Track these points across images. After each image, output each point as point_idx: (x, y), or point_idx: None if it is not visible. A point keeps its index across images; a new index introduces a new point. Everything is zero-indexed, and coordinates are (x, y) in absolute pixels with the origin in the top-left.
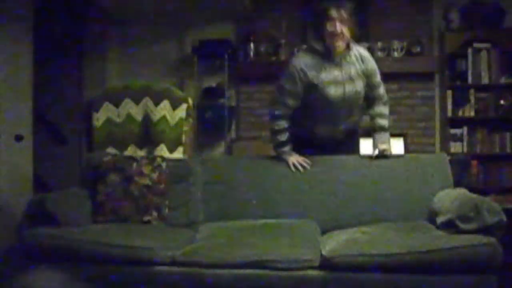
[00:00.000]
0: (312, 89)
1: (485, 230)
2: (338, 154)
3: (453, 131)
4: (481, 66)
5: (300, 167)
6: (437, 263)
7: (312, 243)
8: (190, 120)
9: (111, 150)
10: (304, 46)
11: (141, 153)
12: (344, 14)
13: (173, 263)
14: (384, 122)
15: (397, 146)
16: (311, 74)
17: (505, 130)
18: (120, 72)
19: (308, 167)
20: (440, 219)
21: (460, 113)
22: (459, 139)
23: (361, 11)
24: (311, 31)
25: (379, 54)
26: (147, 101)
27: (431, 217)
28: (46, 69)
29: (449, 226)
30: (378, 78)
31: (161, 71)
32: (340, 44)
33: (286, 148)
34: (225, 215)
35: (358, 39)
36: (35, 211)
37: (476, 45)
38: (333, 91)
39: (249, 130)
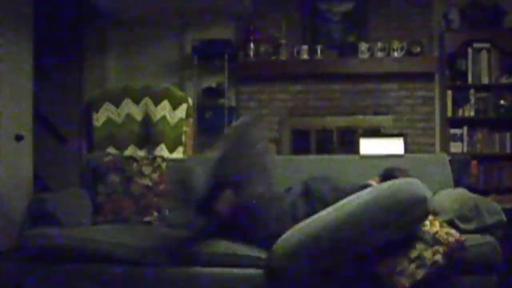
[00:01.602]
0: None
1: (484, 230)
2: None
3: (453, 131)
4: (481, 66)
5: None
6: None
7: None
8: (190, 120)
9: (111, 150)
10: None
11: (141, 153)
12: None
13: (173, 263)
14: None
15: (397, 146)
16: None
17: (505, 130)
18: (120, 72)
19: None
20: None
21: (460, 113)
22: (459, 139)
23: (361, 11)
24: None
25: (379, 54)
26: (147, 101)
27: None
28: (46, 69)
29: None
30: None
31: (161, 71)
32: None
33: None
34: None
35: (357, 40)
36: (35, 211)
37: (476, 45)
38: None
39: None
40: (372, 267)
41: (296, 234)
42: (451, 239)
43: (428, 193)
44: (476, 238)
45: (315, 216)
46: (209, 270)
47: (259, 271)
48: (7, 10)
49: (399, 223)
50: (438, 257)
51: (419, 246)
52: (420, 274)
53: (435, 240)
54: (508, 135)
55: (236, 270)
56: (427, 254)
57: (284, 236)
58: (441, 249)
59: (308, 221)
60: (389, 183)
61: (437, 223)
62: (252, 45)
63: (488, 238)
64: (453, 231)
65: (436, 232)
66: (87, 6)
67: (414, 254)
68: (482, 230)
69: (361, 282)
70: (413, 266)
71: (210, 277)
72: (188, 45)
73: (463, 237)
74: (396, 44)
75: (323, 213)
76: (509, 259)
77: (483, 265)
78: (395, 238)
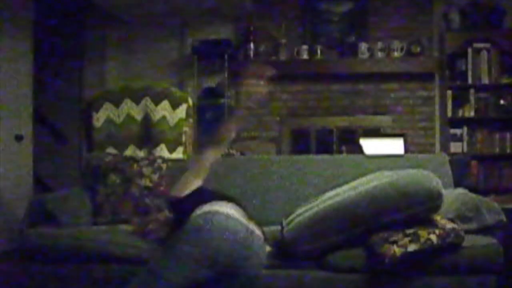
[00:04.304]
0: None
1: (485, 230)
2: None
3: (453, 131)
4: (481, 66)
5: None
6: (437, 263)
7: None
8: (190, 120)
9: (111, 150)
10: None
11: (141, 153)
12: None
13: None
14: None
15: (397, 146)
16: None
17: (505, 130)
18: (120, 72)
19: None
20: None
21: (460, 113)
22: (459, 139)
23: (361, 11)
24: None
25: (379, 54)
26: (147, 101)
27: None
28: (46, 69)
29: None
30: None
31: (161, 71)
32: None
33: None
34: None
35: (357, 40)
36: (35, 211)
37: (476, 45)
38: None
39: (249, 130)
40: (366, 237)
41: (308, 213)
42: (448, 225)
43: (442, 189)
44: (476, 238)
45: (327, 195)
46: None
47: None
48: (7, 10)
49: (411, 211)
50: (433, 236)
51: (416, 226)
52: (412, 247)
53: (433, 224)
54: (508, 135)
55: None
56: (423, 233)
57: (295, 214)
58: (437, 231)
59: (320, 199)
60: (410, 171)
61: (438, 217)
62: (252, 45)
63: (488, 238)
64: (452, 223)
65: (436, 220)
66: (87, 6)
67: (410, 231)
68: (482, 230)
69: (354, 249)
70: (407, 239)
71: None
72: (188, 45)
73: (462, 232)
74: (396, 44)
75: (334, 192)
76: (509, 259)
77: (483, 265)
78: (401, 220)
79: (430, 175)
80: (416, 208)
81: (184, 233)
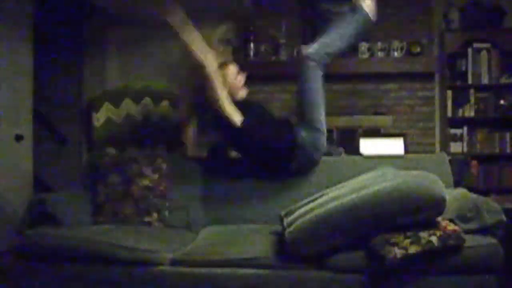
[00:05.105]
0: None
1: (485, 230)
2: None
3: (453, 131)
4: (481, 66)
5: None
6: (437, 263)
7: None
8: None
9: (111, 150)
10: None
11: (141, 153)
12: None
13: (174, 264)
14: None
15: (397, 146)
16: None
17: (505, 130)
18: (120, 72)
19: None
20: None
21: (460, 113)
22: (459, 139)
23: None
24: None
25: (379, 54)
26: (147, 101)
27: None
28: (46, 69)
29: None
30: None
31: (161, 71)
32: None
33: None
34: (226, 215)
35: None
36: (35, 211)
37: (476, 45)
38: None
39: None
40: (367, 238)
41: (309, 215)
42: (449, 227)
43: (446, 194)
44: (476, 238)
45: (330, 197)
46: (207, 270)
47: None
48: (7, 10)
49: (414, 217)
50: (433, 238)
51: (417, 227)
52: (413, 249)
53: (434, 226)
54: (508, 135)
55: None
56: (423, 234)
57: (296, 214)
58: (437, 232)
59: (322, 201)
60: (414, 175)
61: (439, 218)
62: (252, 45)
63: (488, 238)
64: (453, 224)
65: (437, 221)
66: (87, 5)
67: (410, 232)
68: (482, 230)
69: (355, 251)
70: (407, 241)
71: (210, 278)
72: None
73: (463, 234)
74: (396, 44)
75: (338, 192)
76: (509, 259)
77: (483, 265)
78: (403, 224)
79: (434, 181)
80: (419, 215)
81: None
